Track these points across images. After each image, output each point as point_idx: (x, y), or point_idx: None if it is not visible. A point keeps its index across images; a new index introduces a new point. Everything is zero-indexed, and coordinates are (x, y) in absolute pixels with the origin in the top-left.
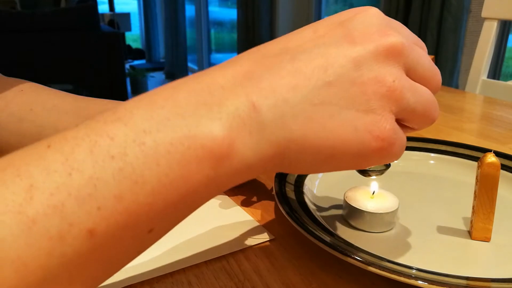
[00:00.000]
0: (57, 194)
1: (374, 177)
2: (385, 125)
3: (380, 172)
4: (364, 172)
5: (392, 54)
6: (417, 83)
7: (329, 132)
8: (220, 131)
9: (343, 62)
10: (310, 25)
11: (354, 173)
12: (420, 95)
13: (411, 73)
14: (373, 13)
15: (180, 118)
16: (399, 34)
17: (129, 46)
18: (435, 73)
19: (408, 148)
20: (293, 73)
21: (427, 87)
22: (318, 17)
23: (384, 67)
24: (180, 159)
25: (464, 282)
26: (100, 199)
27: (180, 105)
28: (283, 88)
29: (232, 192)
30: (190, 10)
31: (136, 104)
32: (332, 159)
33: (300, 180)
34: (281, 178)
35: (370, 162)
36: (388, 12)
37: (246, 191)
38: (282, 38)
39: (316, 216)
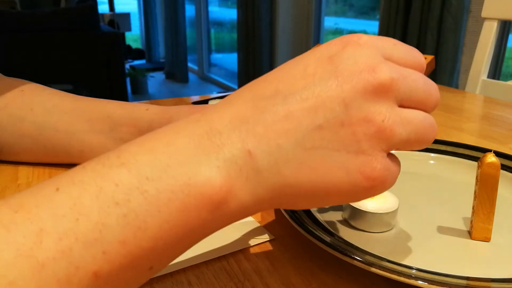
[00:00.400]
0: (65, 239)
1: None
2: (376, 165)
3: None
4: None
5: (382, 92)
6: (410, 111)
7: (322, 175)
8: (218, 178)
9: (332, 104)
10: (301, 58)
11: None
12: (413, 124)
13: (405, 102)
14: (362, 44)
15: (180, 165)
16: (389, 68)
17: (129, 46)
18: (431, 93)
19: None
20: (285, 118)
21: (424, 109)
22: (318, 17)
23: (373, 106)
24: (180, 206)
25: (464, 282)
26: (105, 243)
27: (180, 151)
28: (276, 134)
29: None
30: (190, 10)
31: (139, 149)
32: (326, 197)
33: None
34: None
35: (363, 198)
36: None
37: None
38: (274, 75)
39: (316, 217)
